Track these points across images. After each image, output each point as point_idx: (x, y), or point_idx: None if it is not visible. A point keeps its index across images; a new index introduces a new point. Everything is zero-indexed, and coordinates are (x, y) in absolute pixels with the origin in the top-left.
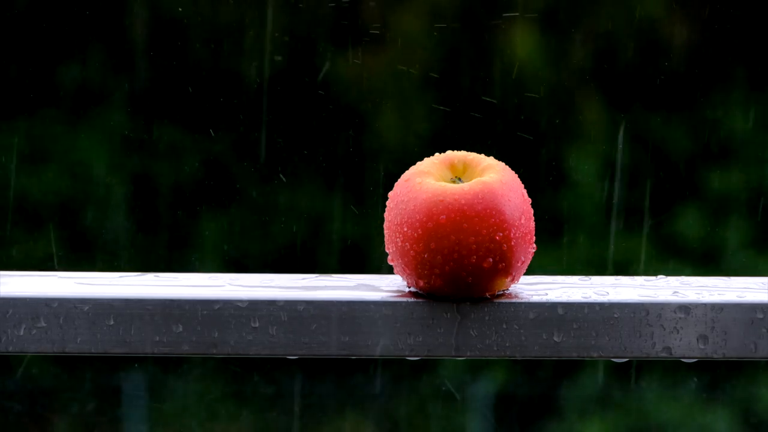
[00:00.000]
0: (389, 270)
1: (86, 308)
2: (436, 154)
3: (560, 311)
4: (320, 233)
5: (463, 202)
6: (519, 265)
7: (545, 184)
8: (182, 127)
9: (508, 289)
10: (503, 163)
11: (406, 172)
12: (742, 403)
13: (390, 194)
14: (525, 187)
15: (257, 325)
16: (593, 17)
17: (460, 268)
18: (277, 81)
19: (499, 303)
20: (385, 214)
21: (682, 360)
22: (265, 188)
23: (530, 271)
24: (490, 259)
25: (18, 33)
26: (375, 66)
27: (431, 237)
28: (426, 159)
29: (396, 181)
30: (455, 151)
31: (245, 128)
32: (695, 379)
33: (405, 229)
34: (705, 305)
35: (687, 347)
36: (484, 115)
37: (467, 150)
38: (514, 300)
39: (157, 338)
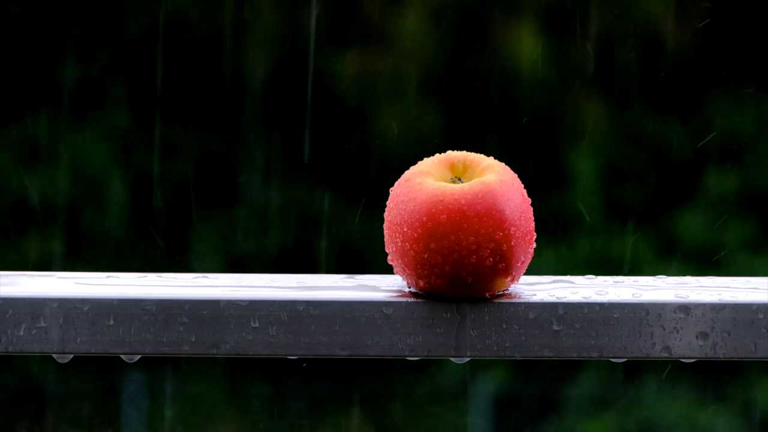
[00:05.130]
0: (389, 270)
1: (86, 308)
2: (436, 154)
3: (560, 311)
4: (320, 233)
5: (463, 202)
6: (519, 265)
7: (545, 184)
8: (182, 127)
9: (508, 289)
10: (503, 163)
11: (406, 172)
12: (742, 403)
13: (390, 194)
14: (525, 187)
15: (257, 325)
16: (594, 17)
17: (460, 268)
18: (278, 80)
19: (499, 303)
20: (385, 214)
21: (682, 360)
22: (265, 188)
23: (530, 271)
24: (490, 259)
25: (18, 32)
26: (375, 66)
27: (431, 237)
28: (426, 159)
29: (396, 181)
30: (455, 151)
31: (245, 128)
32: (695, 379)
33: (405, 229)
34: (705, 305)
35: (687, 347)
36: (484, 114)
37: (467, 150)
38: (514, 300)
39: (157, 338)
